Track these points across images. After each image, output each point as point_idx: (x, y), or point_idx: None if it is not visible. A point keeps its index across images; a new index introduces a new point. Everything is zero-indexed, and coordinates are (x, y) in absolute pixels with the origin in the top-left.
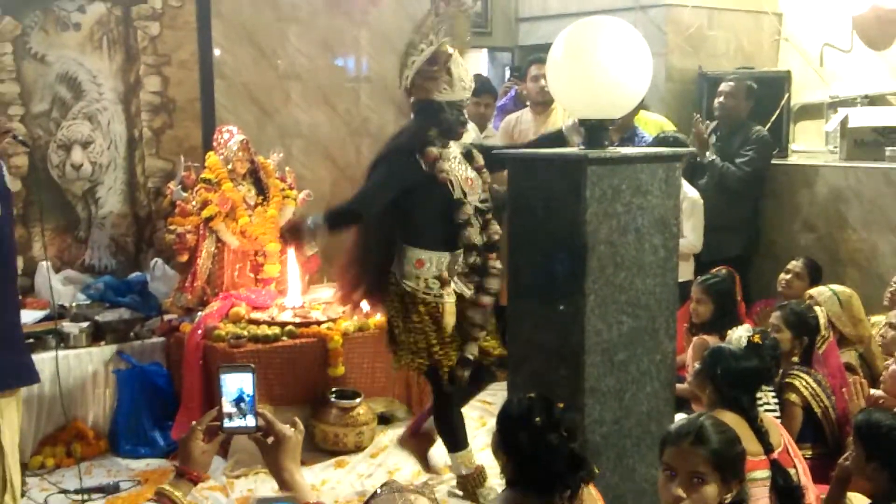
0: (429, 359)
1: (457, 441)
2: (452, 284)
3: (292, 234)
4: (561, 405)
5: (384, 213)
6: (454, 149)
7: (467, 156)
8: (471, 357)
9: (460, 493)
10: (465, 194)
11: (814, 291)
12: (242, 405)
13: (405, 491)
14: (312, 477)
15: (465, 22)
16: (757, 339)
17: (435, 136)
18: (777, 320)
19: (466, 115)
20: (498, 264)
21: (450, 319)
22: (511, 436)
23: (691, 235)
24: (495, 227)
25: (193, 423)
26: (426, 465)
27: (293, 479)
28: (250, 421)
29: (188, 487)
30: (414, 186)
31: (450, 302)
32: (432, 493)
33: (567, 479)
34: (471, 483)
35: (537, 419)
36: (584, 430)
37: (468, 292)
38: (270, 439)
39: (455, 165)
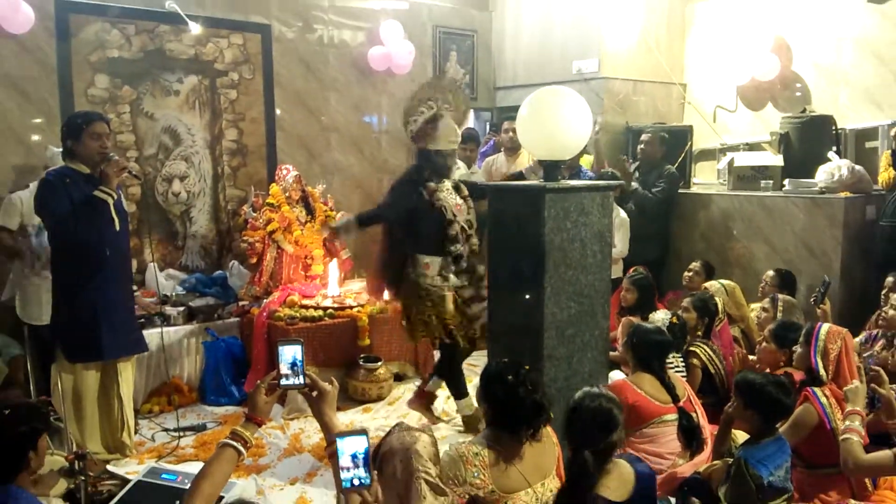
0: (443, 332)
1: (459, 391)
2: (451, 279)
3: (332, 231)
4: (527, 367)
5: (397, 232)
6: (447, 183)
7: (456, 188)
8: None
9: (463, 428)
10: (454, 216)
11: (708, 284)
12: (294, 368)
13: (412, 429)
14: (345, 419)
15: (460, 94)
16: (675, 320)
17: (430, 174)
18: (687, 304)
19: (454, 159)
20: (482, 269)
21: (450, 306)
22: (490, 389)
23: (620, 245)
24: (474, 241)
25: (258, 381)
26: (430, 415)
27: (331, 421)
28: (300, 379)
29: (254, 428)
30: (416, 210)
31: (448, 294)
32: (431, 431)
33: (531, 421)
34: (473, 420)
35: (509, 377)
36: (543, 386)
37: (463, 286)
38: (314, 393)
39: (447, 195)
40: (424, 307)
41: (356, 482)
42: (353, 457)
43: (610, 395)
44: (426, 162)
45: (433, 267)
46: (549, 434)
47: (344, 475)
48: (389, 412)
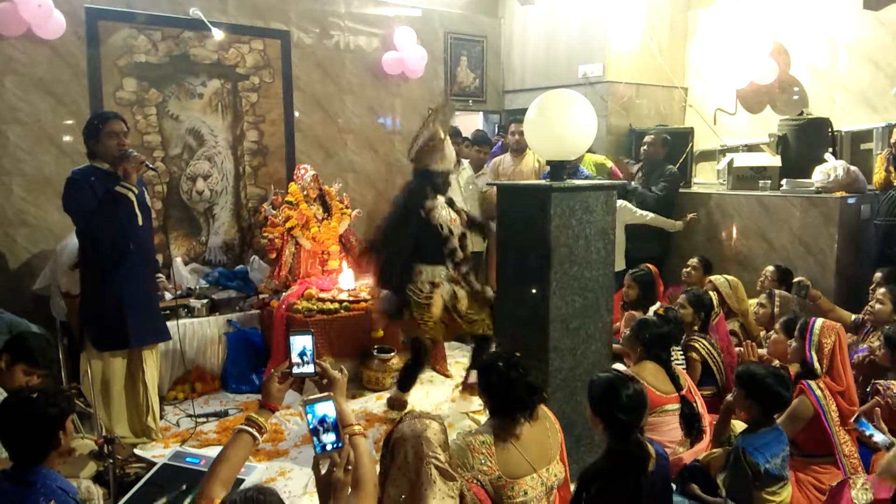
0: (435, 331)
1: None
2: (444, 286)
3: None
4: (518, 353)
5: (395, 243)
6: (440, 199)
7: (450, 203)
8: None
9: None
10: (451, 231)
11: (713, 278)
12: (305, 357)
13: (423, 416)
14: (359, 406)
15: (451, 109)
16: (661, 311)
17: (429, 192)
18: (682, 300)
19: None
20: (476, 284)
21: (436, 311)
22: (486, 379)
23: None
24: (468, 243)
25: (272, 370)
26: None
27: (341, 407)
28: (310, 368)
29: (268, 414)
30: (416, 226)
31: (437, 299)
32: (441, 419)
33: (526, 402)
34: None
35: (500, 364)
36: (548, 375)
37: (460, 290)
38: (325, 381)
39: (441, 212)
40: (415, 309)
41: (328, 447)
42: (323, 421)
43: (634, 376)
44: (427, 180)
45: (425, 273)
46: (552, 421)
47: (316, 440)
48: None
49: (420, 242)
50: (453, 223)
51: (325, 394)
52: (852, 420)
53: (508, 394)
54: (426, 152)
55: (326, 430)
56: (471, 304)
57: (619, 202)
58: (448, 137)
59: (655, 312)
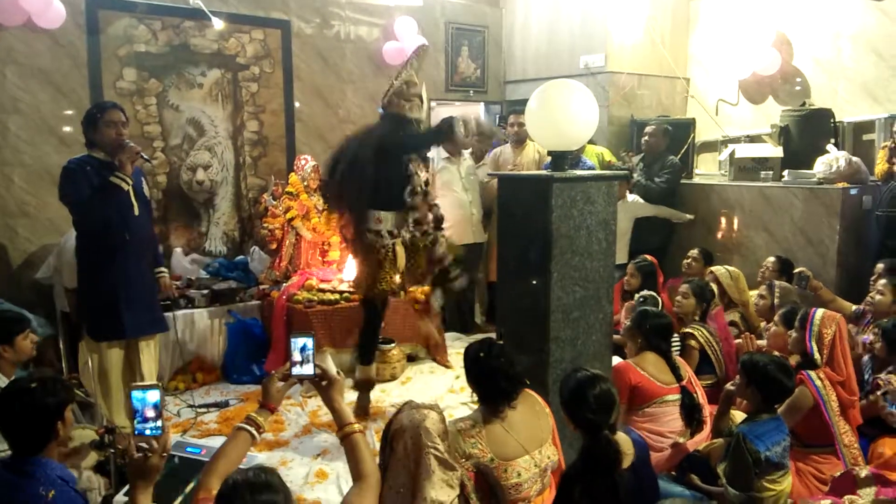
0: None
1: (366, 357)
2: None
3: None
4: (500, 342)
5: (355, 187)
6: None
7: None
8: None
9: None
10: (416, 172)
11: (714, 269)
12: (305, 358)
13: (421, 407)
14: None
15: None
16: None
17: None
18: (686, 290)
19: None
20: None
21: (400, 262)
22: (471, 368)
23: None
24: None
25: (272, 371)
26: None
27: (340, 406)
28: (310, 369)
29: (267, 414)
30: (380, 164)
31: (399, 249)
32: (440, 409)
33: (510, 391)
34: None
35: (481, 354)
36: (548, 366)
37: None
38: (324, 382)
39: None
40: (374, 261)
41: (148, 432)
42: (302, 351)
43: (603, 375)
44: (396, 123)
45: (385, 222)
46: (542, 405)
47: (139, 424)
48: (402, 390)
49: (381, 184)
50: (420, 168)
51: (152, 383)
52: (880, 392)
53: (492, 382)
54: (400, 98)
55: (150, 420)
56: (411, 258)
57: (632, 196)
58: (423, 84)
59: (644, 297)
